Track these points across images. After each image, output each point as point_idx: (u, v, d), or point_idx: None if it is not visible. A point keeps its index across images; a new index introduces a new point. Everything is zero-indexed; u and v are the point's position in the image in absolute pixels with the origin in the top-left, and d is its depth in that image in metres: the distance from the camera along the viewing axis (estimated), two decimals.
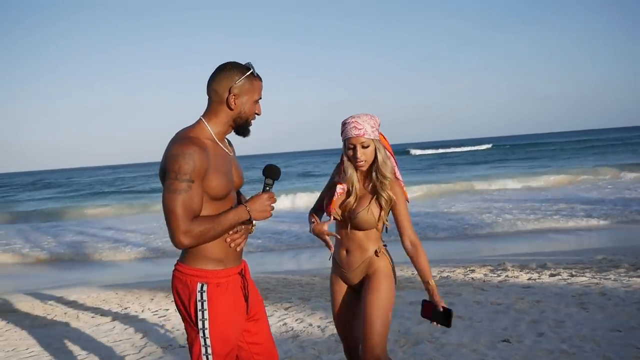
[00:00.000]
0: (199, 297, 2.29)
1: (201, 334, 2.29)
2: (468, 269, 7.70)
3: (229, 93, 2.33)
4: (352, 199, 2.94)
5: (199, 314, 2.28)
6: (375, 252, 2.94)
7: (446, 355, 4.29)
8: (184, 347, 5.00)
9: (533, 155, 49.18)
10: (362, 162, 2.88)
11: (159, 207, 2.43)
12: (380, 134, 2.93)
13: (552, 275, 6.82)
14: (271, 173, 2.46)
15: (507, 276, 6.94)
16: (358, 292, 3.06)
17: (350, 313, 3.09)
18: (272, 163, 2.48)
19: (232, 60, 2.41)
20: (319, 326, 5.31)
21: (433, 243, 10.98)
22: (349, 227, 2.95)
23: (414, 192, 21.17)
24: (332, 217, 2.98)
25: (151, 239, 14.16)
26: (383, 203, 2.87)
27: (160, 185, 2.33)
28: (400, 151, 69.35)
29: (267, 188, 2.43)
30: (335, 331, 5.08)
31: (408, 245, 2.91)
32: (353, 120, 2.86)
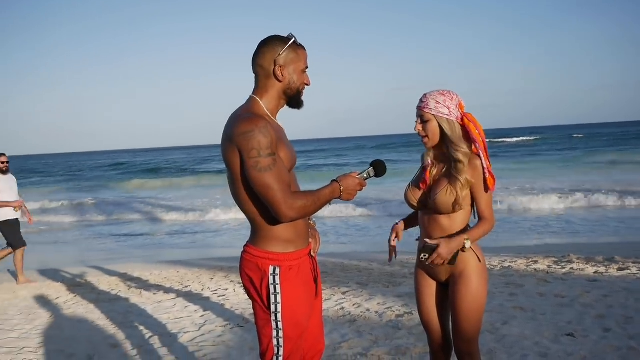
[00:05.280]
0: (271, 281, 2.24)
1: (273, 317, 2.26)
2: (530, 259, 7.49)
3: (275, 65, 2.28)
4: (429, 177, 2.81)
5: (272, 297, 2.24)
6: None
7: (507, 347, 4.18)
8: (242, 327, 5.06)
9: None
10: (423, 138, 2.75)
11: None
12: (466, 114, 2.72)
13: (620, 269, 6.56)
14: (378, 168, 2.45)
15: (572, 268, 6.71)
16: (445, 286, 2.89)
17: (438, 308, 2.93)
18: (383, 161, 2.48)
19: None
20: (376, 312, 5.27)
21: None
22: (431, 213, 2.78)
23: None
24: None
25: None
26: (458, 188, 2.66)
27: (223, 166, 2.29)
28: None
29: (365, 176, 2.43)
30: (392, 317, 5.04)
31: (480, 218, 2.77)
32: (425, 94, 2.75)
